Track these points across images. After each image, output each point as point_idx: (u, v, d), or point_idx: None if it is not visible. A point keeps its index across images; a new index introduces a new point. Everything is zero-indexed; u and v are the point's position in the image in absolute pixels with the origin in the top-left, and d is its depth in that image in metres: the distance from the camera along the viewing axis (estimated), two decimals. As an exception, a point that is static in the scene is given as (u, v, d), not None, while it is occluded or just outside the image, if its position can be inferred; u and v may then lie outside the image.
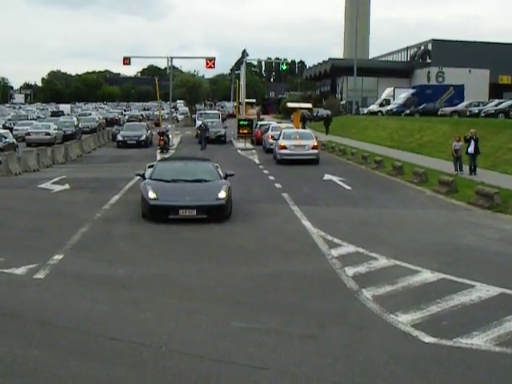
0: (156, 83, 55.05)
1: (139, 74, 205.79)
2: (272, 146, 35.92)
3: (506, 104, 45.88)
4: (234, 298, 9.87)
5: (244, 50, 67.04)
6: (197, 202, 15.73)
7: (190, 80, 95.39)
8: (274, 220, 16.71)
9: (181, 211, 15.57)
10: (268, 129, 42.72)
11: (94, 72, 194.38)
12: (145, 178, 17.37)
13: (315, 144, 32.64)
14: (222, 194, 16.05)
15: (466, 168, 25.11)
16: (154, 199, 15.82)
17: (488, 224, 16.21)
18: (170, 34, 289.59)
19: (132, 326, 8.44)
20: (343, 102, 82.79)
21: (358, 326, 8.59)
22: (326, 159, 34.10)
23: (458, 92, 63.68)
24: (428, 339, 8.01)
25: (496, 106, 47.06)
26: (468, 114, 48.62)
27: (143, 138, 44.34)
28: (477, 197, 18.96)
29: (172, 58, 51.98)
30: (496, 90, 73.72)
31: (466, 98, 60.39)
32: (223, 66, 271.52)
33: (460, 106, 53.69)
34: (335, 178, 25.55)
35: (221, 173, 17.79)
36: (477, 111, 47.47)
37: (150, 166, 19.31)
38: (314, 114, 72.11)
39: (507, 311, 9.04)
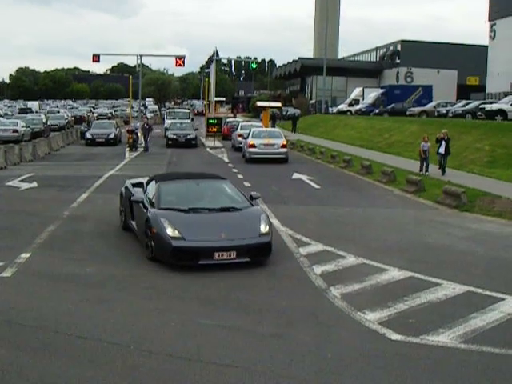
0: (130, 81, 54.67)
1: (108, 72, 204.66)
2: (241, 145, 36.00)
3: (473, 105, 46.42)
4: (203, 296, 9.86)
5: (216, 51, 67.03)
6: (236, 242, 11.50)
7: (159, 78, 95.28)
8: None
9: (216, 254, 11.32)
10: (236, 127, 42.82)
11: (62, 69, 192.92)
12: (145, 206, 12.76)
13: (284, 143, 32.73)
14: (265, 228, 12.00)
15: (434, 168, 25.27)
16: (178, 239, 11.37)
17: (455, 223, 16.40)
18: (140, 31, 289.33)
19: (100, 325, 8.38)
20: (312, 102, 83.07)
21: (326, 324, 8.65)
22: (295, 158, 34.17)
23: (427, 92, 64.44)
24: (395, 336, 8.10)
25: (463, 106, 47.60)
26: (436, 114, 49.22)
27: (112, 135, 43.93)
28: (444, 196, 19.18)
29: (142, 55, 51.59)
30: (464, 91, 74.54)
31: (434, 99, 61.16)
32: (193, 65, 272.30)
33: (428, 106, 54.32)
34: (304, 177, 25.63)
35: (245, 195, 13.71)
36: (445, 111, 48.03)
37: (135, 185, 14.83)
38: (283, 113, 72.25)
39: (473, 309, 9.18)
